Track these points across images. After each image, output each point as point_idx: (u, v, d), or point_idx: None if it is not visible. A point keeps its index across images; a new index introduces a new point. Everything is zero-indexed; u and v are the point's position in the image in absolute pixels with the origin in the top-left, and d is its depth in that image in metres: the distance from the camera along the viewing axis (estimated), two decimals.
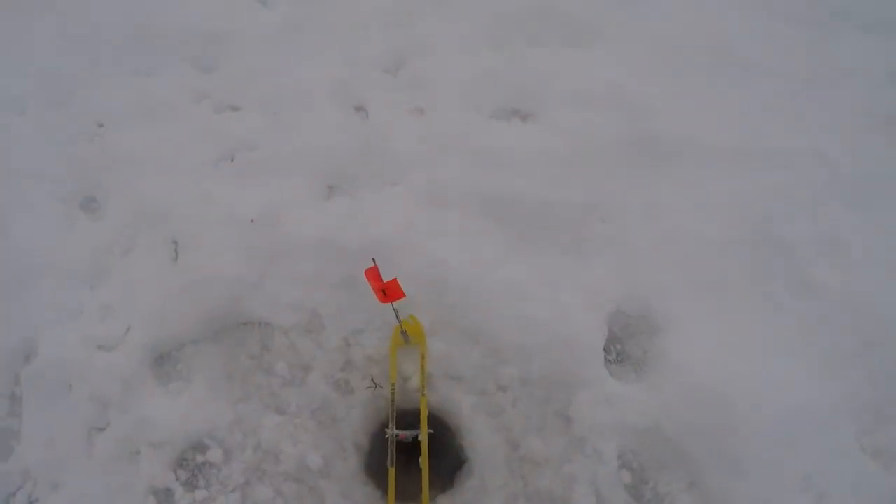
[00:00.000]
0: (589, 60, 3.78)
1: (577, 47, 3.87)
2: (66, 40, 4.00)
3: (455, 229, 3.04)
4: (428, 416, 2.67)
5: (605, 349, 2.84)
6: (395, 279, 2.23)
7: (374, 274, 2.26)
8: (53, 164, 3.44)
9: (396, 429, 2.65)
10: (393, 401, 2.71)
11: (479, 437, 2.70)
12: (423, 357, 2.79)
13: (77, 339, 2.82)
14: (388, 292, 2.24)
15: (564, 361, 2.79)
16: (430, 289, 2.88)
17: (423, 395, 2.72)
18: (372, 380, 2.81)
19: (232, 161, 3.33)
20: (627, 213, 3.13)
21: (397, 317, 2.63)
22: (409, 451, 2.71)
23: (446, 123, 3.47)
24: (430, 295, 2.88)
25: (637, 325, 2.96)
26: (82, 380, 2.73)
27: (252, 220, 3.05)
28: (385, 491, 2.63)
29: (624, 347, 2.93)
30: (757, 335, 2.86)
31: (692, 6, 4.15)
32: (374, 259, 2.28)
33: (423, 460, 2.59)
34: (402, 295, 2.29)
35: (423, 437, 2.62)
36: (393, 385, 2.74)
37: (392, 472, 2.60)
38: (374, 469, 2.77)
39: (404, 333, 2.76)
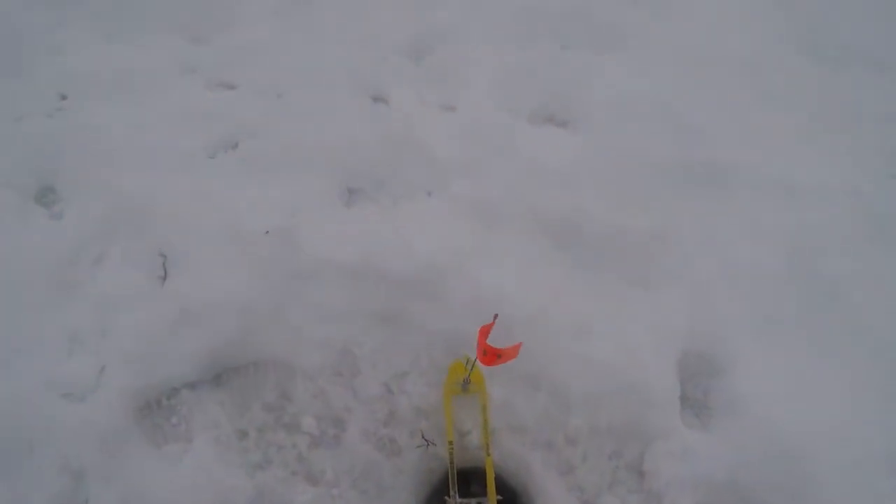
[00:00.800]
0: (623, 69, 3.43)
1: (608, 54, 3.51)
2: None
3: (510, 252, 2.58)
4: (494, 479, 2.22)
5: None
6: (519, 345, 1.75)
7: (486, 333, 1.77)
8: (2, 144, 2.58)
9: (460, 496, 2.17)
10: (452, 462, 2.22)
11: (553, 501, 2.28)
12: (484, 408, 2.31)
13: (37, 384, 2.10)
14: (504, 357, 1.76)
15: (635, 409, 2.43)
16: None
17: (489, 454, 2.25)
18: (423, 436, 2.29)
19: (235, 149, 2.63)
20: (688, 242, 2.80)
21: (470, 366, 2.15)
22: None
23: (482, 124, 2.98)
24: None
25: (697, 366, 2.67)
26: (47, 440, 2.03)
27: (267, 232, 2.41)
28: None
29: (685, 391, 2.62)
30: (822, 377, 2.62)
31: (714, 24, 3.95)
32: (495, 315, 1.77)
33: None
34: (515, 357, 1.82)
35: None
36: (451, 443, 2.25)
37: None
38: None
39: (467, 381, 2.27)
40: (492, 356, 1.76)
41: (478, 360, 1.86)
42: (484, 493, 2.19)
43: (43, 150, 2.60)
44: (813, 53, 3.79)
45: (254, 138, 2.75)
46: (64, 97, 2.74)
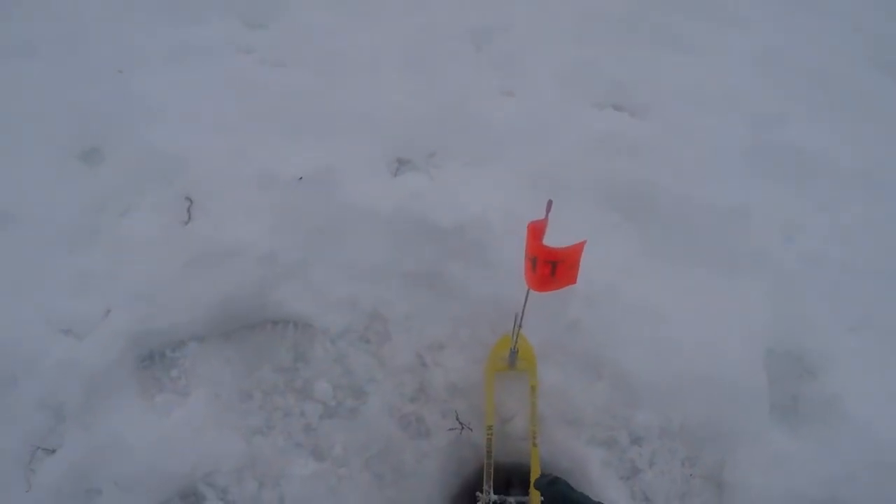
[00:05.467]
0: (689, 65, 2.96)
1: (672, 53, 3.07)
2: None
3: (575, 221, 2.05)
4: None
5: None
6: (581, 245, 1.24)
7: (539, 232, 1.25)
8: (57, 108, 2.37)
9: (495, 493, 1.58)
10: (490, 451, 1.65)
11: None
12: (533, 390, 1.75)
13: (36, 315, 1.74)
14: (559, 272, 1.23)
15: (717, 407, 1.83)
16: (542, 296, 1.87)
17: (535, 444, 1.67)
18: (457, 418, 1.74)
19: (278, 114, 2.31)
20: (768, 227, 2.24)
21: (517, 324, 1.62)
22: None
23: (544, 106, 2.55)
24: (543, 305, 1.85)
25: (785, 367, 2.02)
26: (32, 372, 1.65)
27: (301, 178, 2.02)
28: None
29: (772, 394, 1.95)
30: None
31: (777, 35, 3.49)
32: (550, 202, 1.25)
33: None
34: (574, 280, 1.30)
35: None
36: (490, 428, 1.69)
37: None
38: None
39: (513, 354, 1.72)
40: (544, 270, 1.23)
41: (527, 281, 1.33)
42: (526, 494, 1.60)
43: (91, 115, 2.33)
44: (884, 68, 3.22)
45: (299, 106, 2.41)
46: (120, 71, 2.52)
